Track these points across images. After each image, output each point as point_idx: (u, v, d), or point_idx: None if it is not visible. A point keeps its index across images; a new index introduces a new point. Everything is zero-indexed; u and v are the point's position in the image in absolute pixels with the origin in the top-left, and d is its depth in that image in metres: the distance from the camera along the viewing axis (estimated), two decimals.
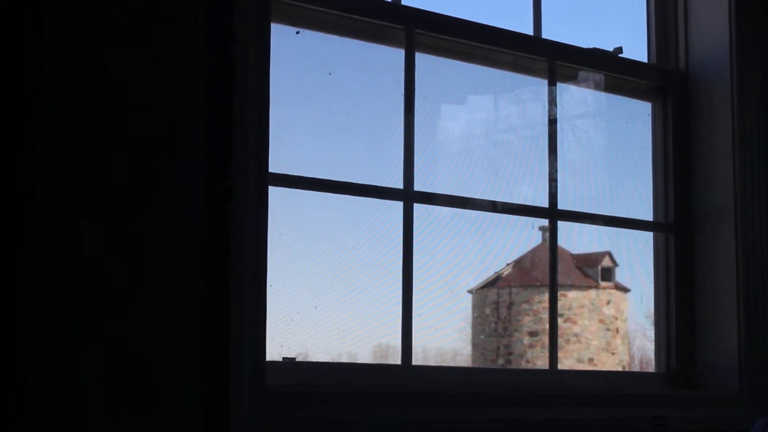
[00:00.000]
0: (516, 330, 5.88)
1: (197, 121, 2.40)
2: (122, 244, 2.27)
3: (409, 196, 2.91)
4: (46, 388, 2.14)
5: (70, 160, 2.22)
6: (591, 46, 3.41)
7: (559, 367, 3.20)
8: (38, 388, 2.14)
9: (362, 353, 3.00)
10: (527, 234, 3.33)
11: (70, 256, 2.20)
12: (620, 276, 6.08)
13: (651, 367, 3.53)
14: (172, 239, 2.33)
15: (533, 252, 3.84)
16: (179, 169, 2.36)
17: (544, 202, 3.23)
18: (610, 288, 6.25)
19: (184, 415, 2.31)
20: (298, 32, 2.81)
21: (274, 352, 2.63)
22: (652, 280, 3.49)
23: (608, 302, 6.37)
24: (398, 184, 2.91)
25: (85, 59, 2.26)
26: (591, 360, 6.07)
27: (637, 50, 3.55)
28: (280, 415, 2.47)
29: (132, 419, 2.24)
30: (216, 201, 2.39)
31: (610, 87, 3.49)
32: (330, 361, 2.86)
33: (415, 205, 2.92)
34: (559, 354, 3.21)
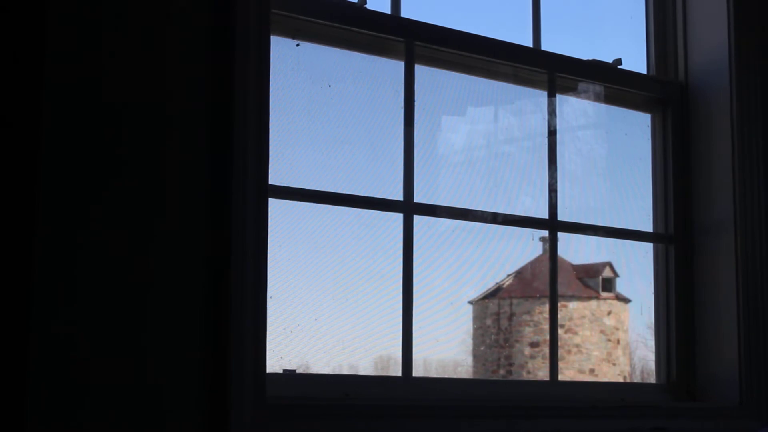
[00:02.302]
0: (517, 341, 5.87)
1: (197, 122, 2.40)
2: (122, 244, 2.27)
3: (409, 208, 2.92)
4: (46, 388, 2.15)
5: (71, 161, 2.23)
6: (590, 58, 3.41)
7: (560, 377, 3.20)
8: (38, 388, 2.14)
9: (363, 365, 3.00)
10: (528, 245, 3.33)
11: (70, 257, 2.21)
12: (621, 286, 6.07)
13: (652, 378, 3.53)
14: (173, 242, 2.34)
15: (534, 263, 3.83)
16: (179, 170, 2.37)
17: (544, 212, 3.24)
18: (611, 298, 6.23)
19: (184, 420, 2.31)
20: (298, 45, 2.82)
21: (275, 364, 2.64)
22: (653, 290, 3.49)
23: (609, 313, 6.36)
24: (398, 196, 2.92)
25: (86, 60, 2.27)
26: (592, 371, 6.06)
27: (636, 62, 3.56)
28: (280, 428, 2.47)
29: (132, 421, 2.24)
30: (216, 211, 2.40)
31: (610, 98, 3.49)
32: (330, 372, 2.86)
33: (416, 217, 2.92)
34: (560, 365, 3.21)
